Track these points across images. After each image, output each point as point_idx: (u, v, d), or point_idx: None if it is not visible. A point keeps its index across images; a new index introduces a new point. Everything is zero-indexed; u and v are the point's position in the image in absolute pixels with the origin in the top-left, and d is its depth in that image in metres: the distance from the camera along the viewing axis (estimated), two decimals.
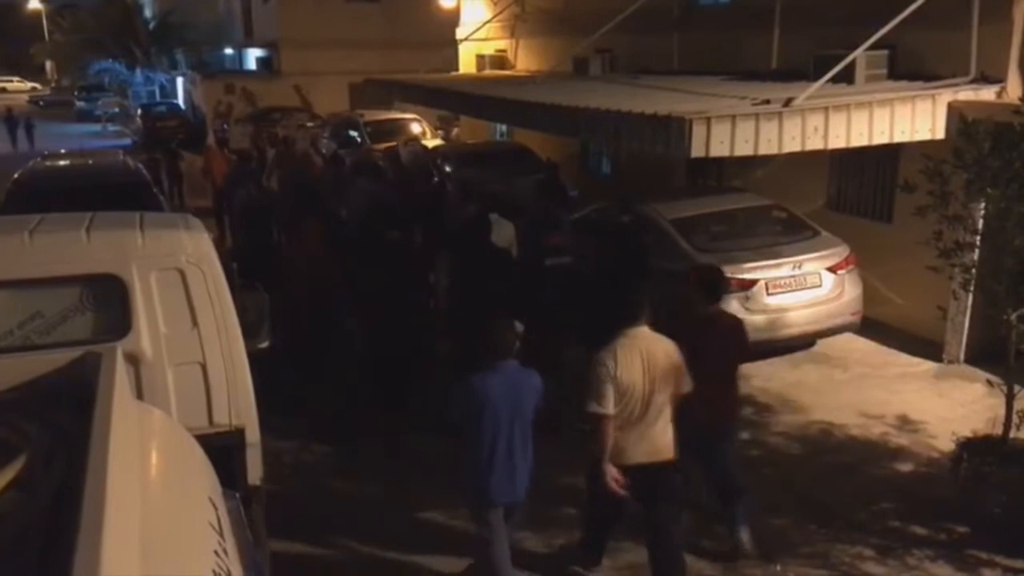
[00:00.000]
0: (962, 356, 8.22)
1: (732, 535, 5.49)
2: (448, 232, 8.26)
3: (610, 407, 4.72)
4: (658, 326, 4.95)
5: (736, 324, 5.68)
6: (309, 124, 21.89)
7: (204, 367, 4.26)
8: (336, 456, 7.02)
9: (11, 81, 64.66)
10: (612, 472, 4.81)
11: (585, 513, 5.48)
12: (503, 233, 8.05)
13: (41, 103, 43.01)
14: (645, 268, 7.91)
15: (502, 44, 18.19)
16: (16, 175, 9.86)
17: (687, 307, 5.54)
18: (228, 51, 38.14)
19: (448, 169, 13.26)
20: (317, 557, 5.66)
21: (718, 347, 5.29)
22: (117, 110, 36.87)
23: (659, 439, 4.87)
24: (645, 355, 4.77)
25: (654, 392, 4.78)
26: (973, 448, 5.95)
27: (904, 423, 7.20)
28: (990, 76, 7.97)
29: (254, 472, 4.43)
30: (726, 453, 5.58)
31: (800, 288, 8.21)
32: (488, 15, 18.01)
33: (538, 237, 8.17)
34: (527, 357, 4.86)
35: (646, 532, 5.12)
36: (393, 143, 15.81)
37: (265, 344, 5.05)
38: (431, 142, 17.93)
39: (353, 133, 19.42)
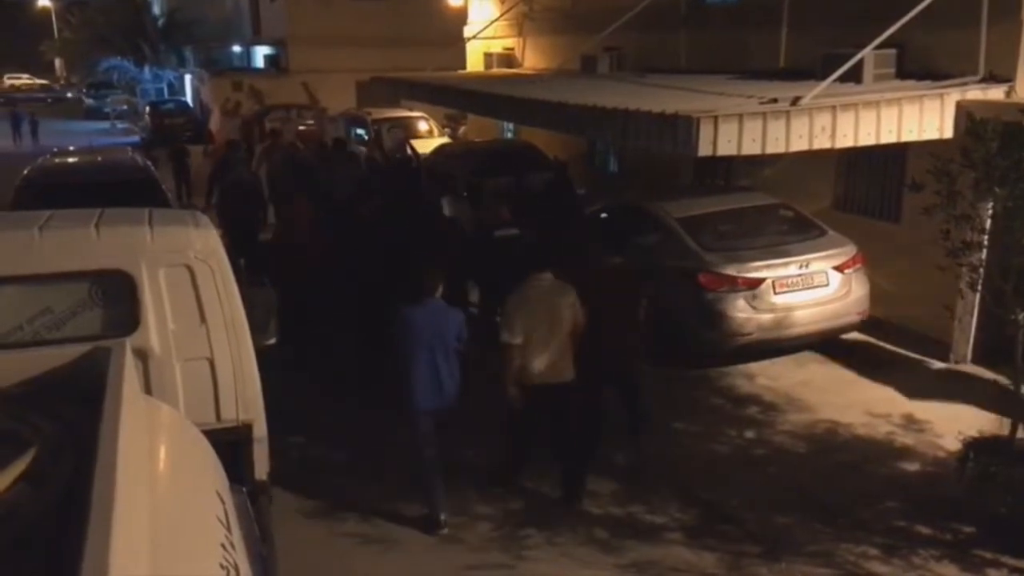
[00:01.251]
0: (969, 355, 8.19)
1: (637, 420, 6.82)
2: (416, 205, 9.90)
3: (518, 338, 5.91)
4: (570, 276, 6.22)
5: (631, 274, 6.83)
6: (310, 122, 22.25)
7: (212, 363, 4.28)
8: (343, 451, 7.05)
9: (20, 78, 64.88)
10: (513, 391, 6.00)
11: (505, 437, 6.43)
12: (457, 209, 10.18)
13: (1, 100, 42.46)
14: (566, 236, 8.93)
15: (510, 42, 18.18)
16: (26, 171, 9.92)
17: (595, 258, 6.87)
18: (236, 48, 38.18)
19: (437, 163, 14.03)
20: (324, 551, 5.67)
21: (615, 292, 6.44)
22: (125, 107, 36.97)
23: (559, 363, 6.00)
24: (546, 294, 6.03)
25: (553, 324, 5.96)
26: (979, 448, 5.94)
27: (910, 422, 7.19)
28: (999, 75, 7.94)
29: (261, 467, 4.46)
30: (635, 384, 6.87)
31: (807, 287, 8.19)
32: (496, 13, 18.01)
33: (489, 213, 9.73)
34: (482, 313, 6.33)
35: (552, 441, 6.29)
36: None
37: (272, 340, 5.08)
38: (438, 140, 18.04)
39: (360, 130, 19.48)
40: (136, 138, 28.60)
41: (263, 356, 4.59)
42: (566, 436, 6.24)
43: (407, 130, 18.58)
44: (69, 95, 53.22)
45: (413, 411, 5.86)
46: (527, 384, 6.02)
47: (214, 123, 23.85)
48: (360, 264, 8.51)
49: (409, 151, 13.50)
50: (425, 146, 15.53)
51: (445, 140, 18.54)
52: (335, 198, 10.47)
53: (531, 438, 6.34)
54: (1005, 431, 5.96)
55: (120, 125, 34.71)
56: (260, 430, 4.43)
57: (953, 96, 7.78)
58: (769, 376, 8.24)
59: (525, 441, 6.37)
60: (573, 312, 6.04)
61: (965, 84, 7.95)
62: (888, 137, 7.73)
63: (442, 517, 5.87)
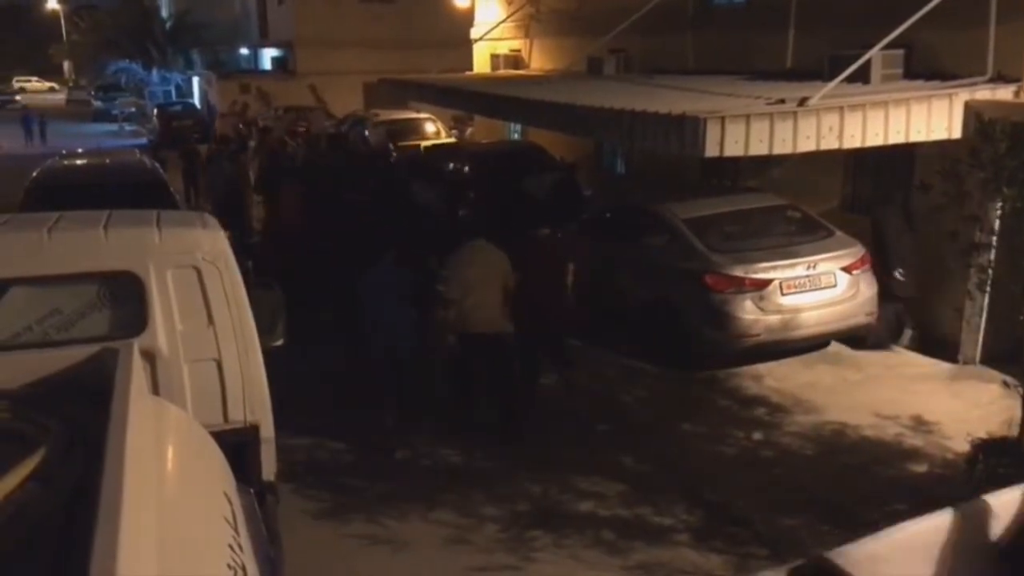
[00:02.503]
0: (978, 357, 8.16)
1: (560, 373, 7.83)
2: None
3: (453, 293, 6.94)
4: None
5: (558, 242, 7.80)
6: (300, 128, 23.06)
7: (219, 364, 4.29)
8: (350, 452, 7.06)
9: (30, 81, 65.21)
10: (449, 338, 7.12)
11: (451, 384, 7.49)
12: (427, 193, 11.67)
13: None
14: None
15: (516, 44, 18.19)
16: (35, 173, 9.97)
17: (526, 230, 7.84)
18: (244, 51, 38.32)
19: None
20: (331, 552, 5.68)
21: (543, 260, 7.42)
22: (134, 109, 37.15)
23: (491, 315, 7.00)
24: (480, 257, 7.03)
25: (486, 282, 6.96)
26: (988, 449, 5.92)
27: (918, 424, 7.16)
28: (1007, 75, 7.92)
29: (268, 468, 4.47)
30: (559, 335, 7.80)
31: (814, 288, 8.17)
32: (502, 15, 18.02)
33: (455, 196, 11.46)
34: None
35: (488, 383, 7.28)
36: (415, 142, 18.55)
37: (280, 342, 5.08)
38: (445, 142, 18.17)
39: (367, 131, 19.63)
40: (144, 140, 28.71)
41: (270, 356, 4.60)
42: (501, 377, 7.20)
43: (416, 130, 19.45)
44: (18, 97, 53.38)
45: (377, 349, 7.09)
46: (467, 332, 7.06)
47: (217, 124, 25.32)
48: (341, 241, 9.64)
49: (391, 147, 15.59)
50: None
51: (452, 141, 18.61)
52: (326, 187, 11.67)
53: (471, 379, 7.35)
54: (1014, 432, 5.94)
55: (128, 127, 34.85)
56: (267, 431, 4.44)
57: (961, 96, 7.76)
58: (776, 377, 8.22)
59: (467, 383, 7.36)
60: (504, 273, 7.06)
61: (974, 84, 7.93)
62: (896, 137, 7.72)
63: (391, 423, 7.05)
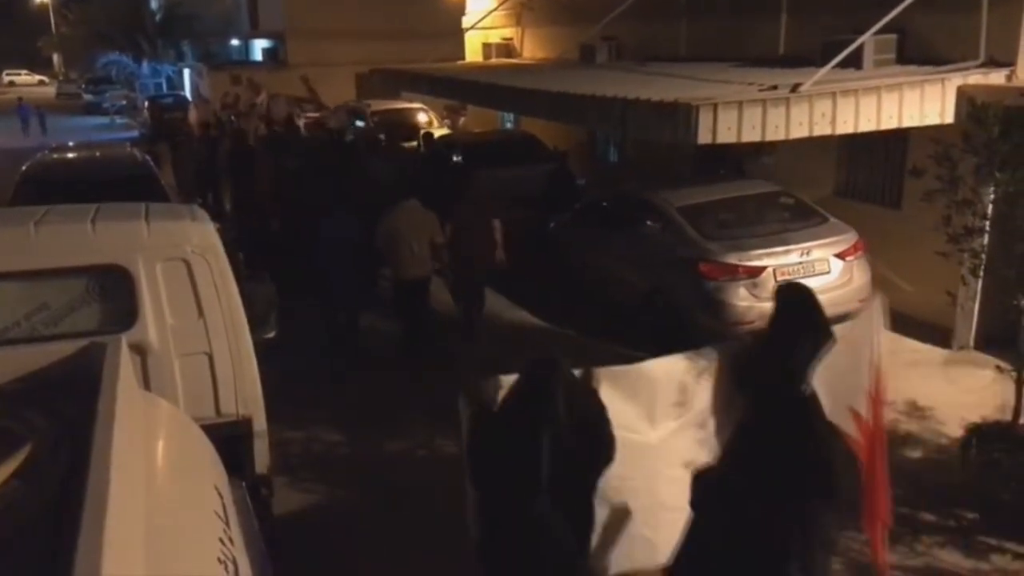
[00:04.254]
0: (971, 342, 8.17)
1: (469, 330, 8.98)
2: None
3: (379, 240, 8.19)
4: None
5: (484, 203, 8.90)
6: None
7: (211, 357, 4.27)
8: (345, 444, 7.05)
9: (19, 74, 64.84)
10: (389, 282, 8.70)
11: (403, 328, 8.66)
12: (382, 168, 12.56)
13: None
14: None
15: (508, 32, 18.12)
16: (25, 167, 9.92)
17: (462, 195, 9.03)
18: (235, 42, 38.14)
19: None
20: (326, 545, 5.67)
21: (474, 221, 8.70)
22: (124, 103, 36.96)
23: (421, 263, 8.32)
24: (411, 216, 8.22)
25: (416, 237, 8.18)
26: (982, 434, 5.93)
27: (913, 409, 7.16)
28: (999, 59, 7.89)
29: (261, 461, 4.46)
30: (482, 284, 9.11)
31: (808, 275, 8.15)
32: (494, 3, 17.94)
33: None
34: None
35: (413, 320, 8.52)
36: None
37: (272, 334, 5.07)
38: (439, 131, 18.09)
39: (359, 122, 19.58)
40: (135, 133, 28.57)
41: (261, 349, 4.58)
42: (421, 311, 8.53)
43: (408, 121, 19.27)
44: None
45: (333, 307, 8.57)
46: (403, 280, 8.36)
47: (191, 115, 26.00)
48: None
49: (349, 128, 17.28)
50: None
51: (445, 131, 18.56)
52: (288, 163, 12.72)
53: (413, 315, 8.53)
54: (1007, 417, 5.95)
55: (119, 120, 34.67)
56: (260, 424, 4.43)
57: (954, 81, 7.73)
58: None
59: (410, 318, 8.55)
60: (431, 229, 8.28)
61: (966, 69, 7.90)
62: (889, 123, 7.70)
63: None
